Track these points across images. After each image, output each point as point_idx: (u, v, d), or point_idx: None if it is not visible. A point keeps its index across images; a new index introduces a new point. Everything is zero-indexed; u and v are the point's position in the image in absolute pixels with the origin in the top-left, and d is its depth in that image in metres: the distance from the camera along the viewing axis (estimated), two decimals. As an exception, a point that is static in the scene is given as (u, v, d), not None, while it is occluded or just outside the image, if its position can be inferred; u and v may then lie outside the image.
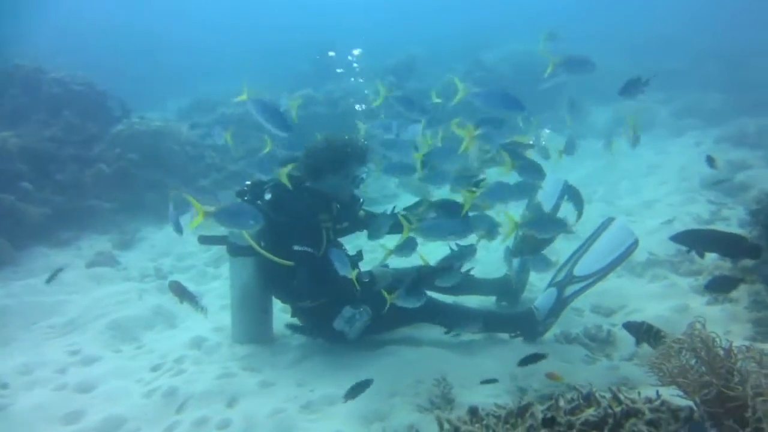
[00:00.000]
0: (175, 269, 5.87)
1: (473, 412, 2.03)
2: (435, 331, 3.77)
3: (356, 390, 2.86)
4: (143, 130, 8.35)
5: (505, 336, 3.71)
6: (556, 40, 4.09)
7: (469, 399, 3.00)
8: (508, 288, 4.18)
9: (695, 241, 3.11)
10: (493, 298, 4.33)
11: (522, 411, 1.97)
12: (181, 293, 3.46)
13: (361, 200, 3.79)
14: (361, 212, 3.82)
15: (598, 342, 3.63)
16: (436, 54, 14.57)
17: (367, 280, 3.47)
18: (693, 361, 1.91)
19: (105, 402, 3.24)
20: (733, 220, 5.99)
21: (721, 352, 1.87)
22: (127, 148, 8.11)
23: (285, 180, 3.25)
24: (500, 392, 3.15)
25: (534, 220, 3.26)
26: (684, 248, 3.12)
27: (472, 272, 3.81)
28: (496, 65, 13.27)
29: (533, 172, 3.27)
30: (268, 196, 3.57)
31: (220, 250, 5.49)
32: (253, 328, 3.75)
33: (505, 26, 17.24)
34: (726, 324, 3.54)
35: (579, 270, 3.67)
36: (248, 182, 3.68)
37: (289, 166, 3.32)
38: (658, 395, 2.05)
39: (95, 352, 3.88)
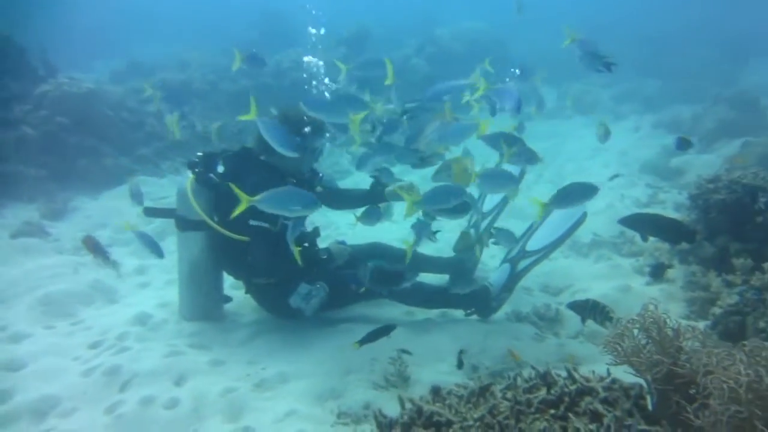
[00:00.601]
0: (115, 242, 5.59)
1: (435, 391, 2.04)
2: (389, 309, 3.78)
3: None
4: (74, 92, 7.81)
5: (459, 314, 3.75)
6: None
7: (424, 377, 3.04)
8: (461, 267, 4.22)
9: (640, 225, 3.24)
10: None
11: (483, 390, 1.99)
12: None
13: (321, 175, 3.71)
14: (318, 188, 3.73)
15: (547, 320, 3.74)
16: (390, 28, 14.42)
17: (324, 257, 3.42)
18: (645, 341, 1.98)
19: (37, 381, 3.04)
20: (668, 204, 6.30)
21: (671, 333, 1.95)
22: (55, 111, 7.56)
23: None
24: (454, 369, 3.20)
25: None
26: (630, 230, 3.23)
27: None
28: (449, 43, 13.27)
29: (529, 157, 3.25)
30: (221, 169, 3.43)
31: (164, 222, 5.29)
32: (202, 305, 3.64)
33: (461, 2, 17.24)
34: (664, 303, 3.71)
35: (531, 245, 3.75)
36: (200, 153, 3.52)
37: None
38: (609, 373, 2.13)
39: (25, 328, 3.64)
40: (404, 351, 3.09)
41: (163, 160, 8.45)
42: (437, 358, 3.29)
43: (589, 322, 3.61)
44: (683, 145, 3.74)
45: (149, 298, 4.10)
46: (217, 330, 3.57)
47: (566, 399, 1.97)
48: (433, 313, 3.81)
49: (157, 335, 3.52)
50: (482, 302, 3.68)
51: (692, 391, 1.81)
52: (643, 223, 3.22)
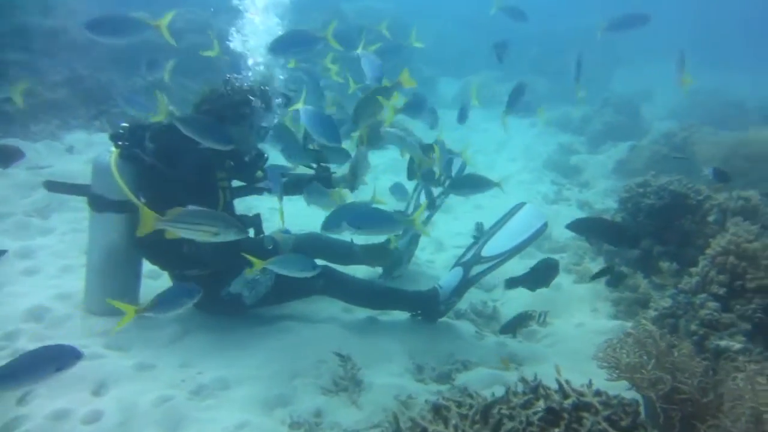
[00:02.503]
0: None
1: (436, 410, 1.89)
2: (326, 306, 3.55)
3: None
4: None
5: (404, 314, 3.61)
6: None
7: (376, 380, 2.88)
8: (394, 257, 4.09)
9: (586, 229, 3.31)
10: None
11: (486, 409, 1.88)
12: None
13: (266, 156, 3.36)
14: (260, 173, 3.38)
15: (484, 318, 3.74)
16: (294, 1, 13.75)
17: (270, 246, 3.11)
18: (644, 357, 1.98)
19: None
20: (573, 201, 6.67)
21: (665, 347, 1.96)
22: None
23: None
24: (401, 371, 3.09)
25: None
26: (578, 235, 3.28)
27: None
28: (356, 20, 12.96)
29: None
30: (150, 144, 2.98)
31: (49, 196, 4.58)
32: (117, 298, 3.15)
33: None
34: (592, 302, 3.88)
35: (487, 251, 3.68)
36: (125, 124, 3.04)
37: None
38: (591, 383, 2.12)
39: None
40: (341, 356, 2.89)
41: (35, 122, 7.36)
42: (385, 359, 3.15)
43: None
44: (721, 177, 3.91)
45: (42, 287, 3.50)
46: (136, 327, 3.11)
47: (565, 416, 1.91)
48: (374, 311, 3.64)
49: (61, 334, 3.01)
50: (430, 306, 3.56)
51: (691, 410, 1.83)
52: (588, 228, 3.29)
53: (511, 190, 6.68)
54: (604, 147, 9.23)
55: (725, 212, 3.94)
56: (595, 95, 11.58)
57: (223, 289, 3.10)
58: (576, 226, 3.24)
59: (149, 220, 2.50)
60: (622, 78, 14.52)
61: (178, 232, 2.50)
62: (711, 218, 3.88)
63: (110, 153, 3.01)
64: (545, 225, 3.73)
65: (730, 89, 12.59)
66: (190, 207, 2.51)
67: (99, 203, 3.04)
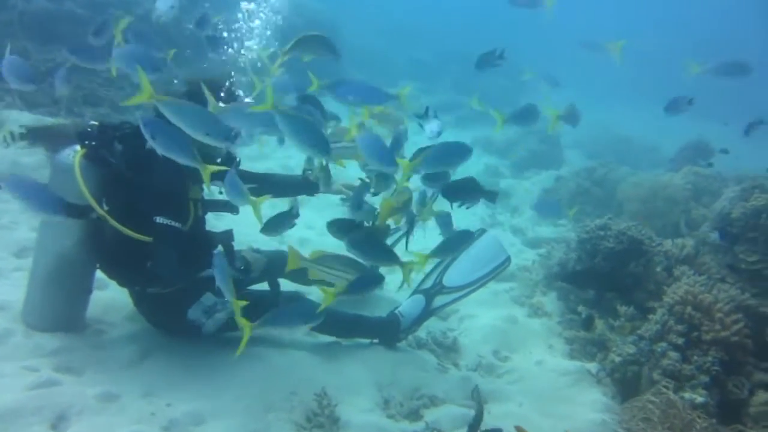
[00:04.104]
0: None
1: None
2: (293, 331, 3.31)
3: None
4: None
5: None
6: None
7: (353, 417, 2.72)
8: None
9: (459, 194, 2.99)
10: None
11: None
12: None
13: (238, 160, 3.05)
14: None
15: (444, 348, 3.68)
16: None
17: (242, 267, 2.82)
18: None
19: None
20: (506, 225, 6.82)
21: (688, 419, 1.97)
22: None
23: None
24: (371, 405, 2.97)
25: None
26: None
27: None
28: (291, 17, 12.49)
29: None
30: (119, 146, 2.61)
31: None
32: (63, 312, 2.76)
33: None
34: (547, 338, 3.94)
35: (449, 280, 3.61)
36: (94, 123, 2.64)
37: None
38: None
39: None
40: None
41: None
42: (354, 391, 3.01)
43: (486, 353, 3.68)
44: (730, 238, 4.01)
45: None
46: (86, 346, 2.73)
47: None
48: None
49: (3, 353, 2.53)
50: (390, 334, 3.45)
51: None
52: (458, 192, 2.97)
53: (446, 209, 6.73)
54: (528, 173, 9.60)
55: (671, 260, 4.16)
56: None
57: (184, 312, 2.77)
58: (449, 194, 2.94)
59: (295, 258, 2.49)
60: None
61: (320, 274, 2.48)
62: (658, 267, 4.07)
63: (75, 152, 2.60)
64: (508, 260, 3.75)
65: (616, 124, 13.58)
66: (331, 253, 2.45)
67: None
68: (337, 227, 2.82)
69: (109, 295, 3.16)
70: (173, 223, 2.55)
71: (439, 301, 3.59)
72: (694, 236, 4.89)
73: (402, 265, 2.68)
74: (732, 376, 3.25)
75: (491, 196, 2.99)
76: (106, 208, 2.61)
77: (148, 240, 2.56)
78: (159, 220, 2.53)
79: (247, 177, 3.24)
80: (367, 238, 2.71)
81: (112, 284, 2.99)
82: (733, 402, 3.17)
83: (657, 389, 2.16)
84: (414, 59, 16.35)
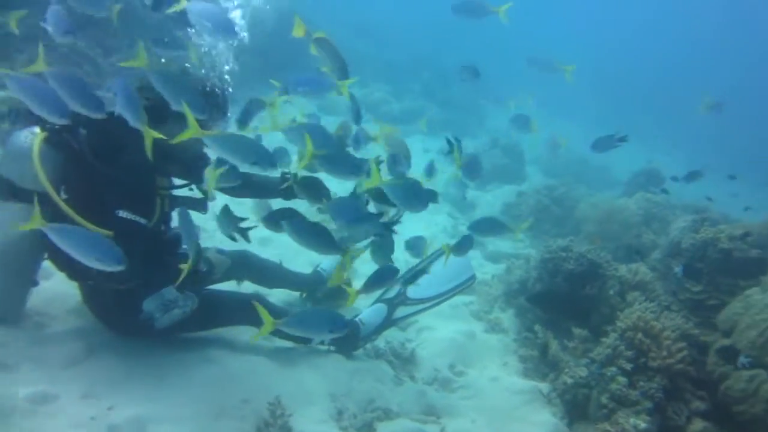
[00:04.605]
0: None
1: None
2: (247, 330, 3.25)
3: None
4: None
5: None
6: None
7: (301, 426, 2.68)
8: (319, 284, 3.88)
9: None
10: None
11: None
12: None
13: (210, 160, 2.97)
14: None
15: (402, 360, 3.68)
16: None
17: (205, 269, 2.74)
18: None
19: None
20: (467, 237, 6.88)
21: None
22: None
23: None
24: (325, 417, 2.93)
25: None
26: None
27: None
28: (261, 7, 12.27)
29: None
30: (84, 131, 2.49)
31: None
32: (4, 301, 2.59)
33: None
34: (502, 355, 4.00)
35: (412, 292, 3.62)
36: None
37: None
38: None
39: None
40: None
41: None
42: (308, 400, 2.96)
43: (442, 367, 3.71)
44: (693, 274, 4.17)
45: None
46: (22, 339, 2.59)
47: None
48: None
49: None
50: (350, 341, 3.43)
51: None
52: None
53: (408, 219, 6.74)
54: (490, 186, 9.76)
55: (624, 285, 4.29)
56: (465, 131, 12.28)
57: (137, 310, 2.68)
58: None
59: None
60: (490, 119, 15.25)
61: None
62: (611, 290, 4.19)
63: (34, 135, 2.47)
64: (473, 277, 3.79)
65: (573, 141, 13.90)
66: None
67: (5, 189, 2.47)
68: (273, 220, 2.73)
69: (53, 286, 3.00)
70: (137, 219, 2.47)
71: (401, 312, 3.60)
72: (646, 262, 5.05)
73: (343, 252, 2.64)
74: (672, 403, 3.38)
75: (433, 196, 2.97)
76: (64, 197, 2.49)
77: (109, 234, 2.46)
78: (122, 214, 2.43)
79: None
80: (309, 223, 2.64)
81: (59, 275, 2.83)
82: (671, 428, 3.28)
83: (614, 419, 2.23)
84: (387, 62, 16.34)
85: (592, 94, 18.31)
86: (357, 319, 3.51)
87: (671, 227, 6.57)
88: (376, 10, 20.17)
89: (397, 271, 2.67)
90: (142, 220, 2.50)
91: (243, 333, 3.24)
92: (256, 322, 3.04)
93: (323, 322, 2.40)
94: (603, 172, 12.78)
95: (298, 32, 2.62)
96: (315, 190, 2.99)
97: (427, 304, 3.68)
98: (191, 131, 2.17)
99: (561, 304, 3.99)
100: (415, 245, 3.09)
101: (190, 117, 2.16)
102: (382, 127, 2.91)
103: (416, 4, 22.83)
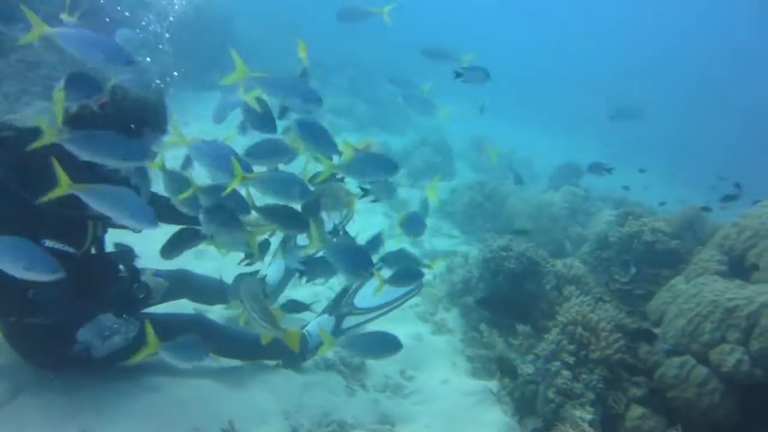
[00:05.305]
0: None
1: None
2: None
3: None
4: None
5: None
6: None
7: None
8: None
9: None
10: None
11: None
12: None
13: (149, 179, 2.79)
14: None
15: (352, 369, 3.64)
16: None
17: (142, 295, 2.57)
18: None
19: None
20: (404, 236, 6.92)
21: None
22: None
23: None
24: (281, 436, 2.84)
25: None
26: None
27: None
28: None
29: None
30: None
31: None
32: None
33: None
34: (451, 355, 4.04)
35: (360, 301, 3.58)
36: None
37: None
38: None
39: None
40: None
41: None
42: (261, 421, 2.88)
43: (393, 373, 3.70)
44: (637, 270, 4.31)
45: None
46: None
47: None
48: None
49: None
50: (296, 355, 3.35)
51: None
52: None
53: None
54: (423, 182, 9.86)
55: (560, 279, 4.45)
56: (393, 128, 12.42)
57: (69, 343, 2.48)
58: None
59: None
60: (416, 114, 15.50)
61: None
62: (548, 285, 4.34)
63: None
64: (420, 285, 3.80)
65: (499, 138, 14.38)
66: None
67: None
68: None
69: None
70: (64, 248, 2.27)
71: (348, 321, 3.56)
72: (577, 256, 5.27)
73: (249, 233, 2.60)
74: (611, 392, 3.54)
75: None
76: None
77: None
78: (47, 244, 2.24)
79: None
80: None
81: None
82: (611, 416, 3.44)
83: (574, 422, 2.32)
84: (311, 60, 16.06)
85: (515, 91, 18.97)
86: (304, 331, 3.44)
87: (596, 220, 6.95)
88: (298, 6, 19.84)
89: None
90: (71, 249, 2.30)
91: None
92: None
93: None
94: (527, 165, 13.27)
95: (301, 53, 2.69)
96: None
97: (375, 313, 3.66)
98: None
99: (505, 303, 4.08)
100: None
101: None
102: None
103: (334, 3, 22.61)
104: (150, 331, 2.07)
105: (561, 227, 6.99)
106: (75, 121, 2.36)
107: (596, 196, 8.80)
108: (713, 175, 9.29)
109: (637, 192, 9.14)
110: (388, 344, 2.56)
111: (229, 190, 2.34)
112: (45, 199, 1.99)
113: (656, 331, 3.66)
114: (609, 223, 5.23)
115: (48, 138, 1.97)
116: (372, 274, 2.61)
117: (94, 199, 2.01)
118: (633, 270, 4.27)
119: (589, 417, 3.21)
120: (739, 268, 3.76)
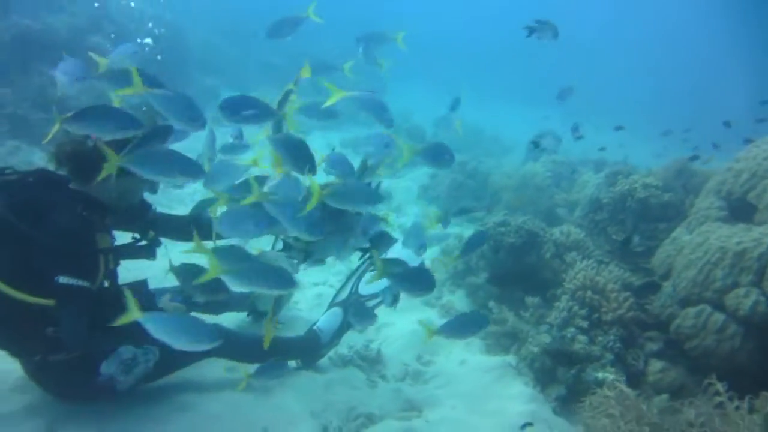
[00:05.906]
0: None
1: None
2: (210, 369, 3.05)
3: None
4: None
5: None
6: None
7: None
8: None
9: None
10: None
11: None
12: None
13: (154, 208, 2.73)
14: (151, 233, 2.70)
15: (369, 362, 3.63)
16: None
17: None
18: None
19: None
20: (395, 226, 6.91)
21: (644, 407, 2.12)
22: None
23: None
24: (314, 438, 2.82)
25: None
26: None
27: None
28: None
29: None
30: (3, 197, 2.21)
31: None
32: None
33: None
34: (462, 336, 4.03)
35: (364, 289, 3.56)
36: None
37: None
38: None
39: None
40: None
41: None
42: (292, 424, 2.88)
43: (410, 360, 3.69)
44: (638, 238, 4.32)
45: None
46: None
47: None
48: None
49: None
50: (312, 351, 3.35)
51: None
52: None
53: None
54: (402, 171, 9.82)
55: (560, 247, 4.48)
56: (363, 120, 12.33)
57: (93, 375, 2.42)
58: None
59: None
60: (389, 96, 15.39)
61: None
62: (548, 254, 4.37)
63: None
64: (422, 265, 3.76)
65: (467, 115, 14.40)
66: None
67: None
68: None
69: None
70: (80, 283, 2.21)
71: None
72: (571, 221, 5.32)
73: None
74: (629, 350, 3.59)
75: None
76: None
77: (49, 303, 2.19)
78: (62, 280, 2.17)
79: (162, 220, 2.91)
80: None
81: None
82: (632, 374, 3.49)
83: (611, 383, 2.34)
84: (265, 63, 15.81)
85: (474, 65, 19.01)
86: (315, 327, 3.41)
87: (582, 184, 7.01)
88: (247, 9, 19.48)
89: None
90: (85, 283, 2.24)
91: (207, 370, 3.04)
92: (217, 353, 2.87)
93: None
94: (495, 141, 13.33)
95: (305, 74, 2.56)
96: None
97: (381, 297, 3.63)
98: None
99: (513, 277, 4.09)
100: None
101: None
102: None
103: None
104: (129, 296, 1.98)
105: (547, 196, 7.06)
106: (72, 159, 2.31)
107: (575, 161, 8.89)
108: (682, 129, 9.49)
109: (613, 151, 9.25)
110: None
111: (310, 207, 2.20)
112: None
113: (665, 284, 3.71)
114: (599, 185, 5.28)
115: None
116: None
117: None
118: (636, 239, 4.32)
119: (611, 377, 3.25)
120: (740, 211, 3.81)
